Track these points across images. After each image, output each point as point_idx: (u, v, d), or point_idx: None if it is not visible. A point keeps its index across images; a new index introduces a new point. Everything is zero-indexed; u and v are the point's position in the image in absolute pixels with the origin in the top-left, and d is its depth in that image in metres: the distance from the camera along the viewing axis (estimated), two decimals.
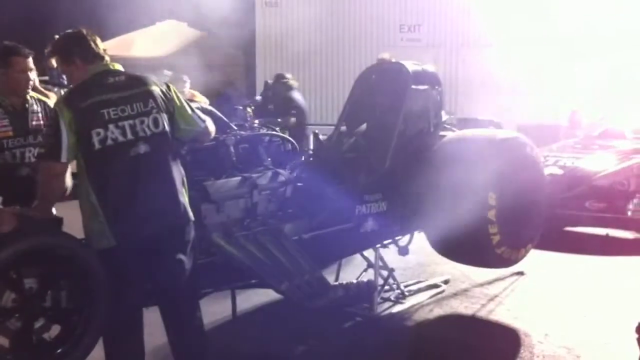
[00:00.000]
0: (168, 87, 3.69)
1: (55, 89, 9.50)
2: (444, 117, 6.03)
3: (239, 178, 4.57)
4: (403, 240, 5.81)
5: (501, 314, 5.51)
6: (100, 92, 3.44)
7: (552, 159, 8.54)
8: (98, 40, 3.69)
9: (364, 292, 5.25)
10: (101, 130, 3.36)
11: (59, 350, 3.69)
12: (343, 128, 5.97)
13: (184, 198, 3.60)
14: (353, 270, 6.01)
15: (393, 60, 5.78)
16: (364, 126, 5.78)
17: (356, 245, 5.39)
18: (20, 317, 3.60)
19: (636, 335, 3.78)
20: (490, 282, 6.25)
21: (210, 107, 4.82)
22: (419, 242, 5.98)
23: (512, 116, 12.32)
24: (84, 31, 3.72)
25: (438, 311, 5.58)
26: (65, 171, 3.50)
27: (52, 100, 8.70)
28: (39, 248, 3.55)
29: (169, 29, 17.77)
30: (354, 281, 5.36)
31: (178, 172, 3.60)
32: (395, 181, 5.39)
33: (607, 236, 8.03)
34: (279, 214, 4.79)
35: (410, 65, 5.70)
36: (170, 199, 3.53)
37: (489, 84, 13.26)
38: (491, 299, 5.85)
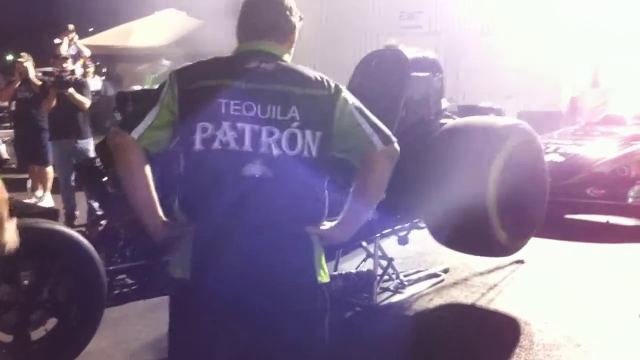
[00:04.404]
0: (337, 93, 2.44)
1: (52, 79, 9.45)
2: (445, 104, 5.99)
3: None
4: (403, 229, 5.79)
5: (501, 303, 5.49)
6: (228, 74, 2.39)
7: (553, 146, 8.52)
8: (281, 9, 2.52)
9: (364, 282, 5.23)
10: (209, 126, 2.31)
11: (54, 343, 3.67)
12: None
13: (313, 254, 2.40)
14: (352, 260, 5.99)
15: (400, 46, 5.75)
16: None
17: (355, 234, 5.34)
18: (16, 310, 3.59)
19: None
20: (490, 271, 6.23)
21: None
22: (419, 231, 5.95)
23: (513, 103, 12.29)
24: None
25: (438, 300, 5.56)
26: (129, 149, 2.37)
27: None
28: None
29: (168, 18, 17.71)
30: (353, 271, 5.34)
31: (310, 216, 2.40)
32: (395, 169, 5.34)
33: (607, 223, 8.01)
34: None
35: (411, 52, 5.66)
36: (286, 251, 2.32)
37: (490, 71, 13.24)
38: (491, 288, 5.83)
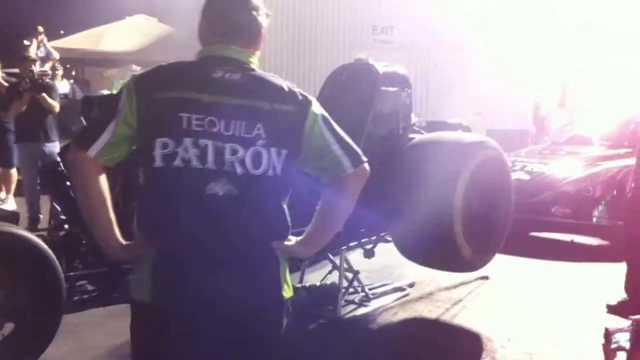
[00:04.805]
0: (306, 107, 2.30)
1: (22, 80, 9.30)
2: (413, 119, 6.01)
3: None
4: (369, 242, 5.78)
5: (465, 318, 5.50)
6: (191, 85, 2.20)
7: (520, 164, 8.59)
8: (248, 8, 2.32)
9: (328, 294, 5.20)
10: (170, 142, 2.15)
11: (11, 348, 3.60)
12: None
13: (278, 271, 2.30)
14: (318, 272, 5.97)
15: (370, 60, 5.77)
16: None
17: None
18: None
19: (603, 341, 3.79)
20: (455, 286, 6.25)
21: None
22: (386, 245, 5.95)
23: (482, 120, 12.41)
24: None
25: (402, 314, 5.55)
26: (87, 170, 2.23)
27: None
28: None
29: (139, 23, 17.64)
30: (318, 283, 5.32)
31: (275, 233, 2.28)
32: None
33: (572, 242, 8.08)
34: None
35: (381, 67, 5.67)
36: (251, 271, 2.22)
37: (459, 88, 13.35)
38: (455, 303, 5.84)
